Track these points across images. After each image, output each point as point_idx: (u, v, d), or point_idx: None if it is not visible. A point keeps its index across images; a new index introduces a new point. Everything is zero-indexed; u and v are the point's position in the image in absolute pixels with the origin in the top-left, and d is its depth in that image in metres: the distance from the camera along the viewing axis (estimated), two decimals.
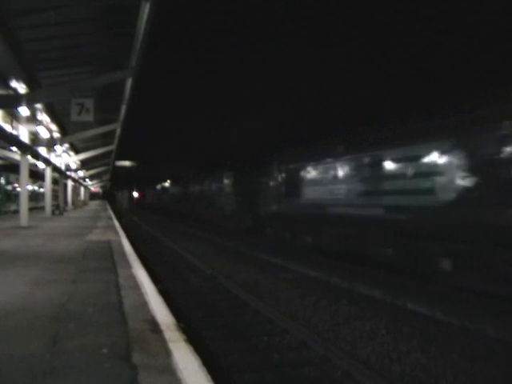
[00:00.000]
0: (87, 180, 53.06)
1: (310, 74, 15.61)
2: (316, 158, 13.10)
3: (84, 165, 36.93)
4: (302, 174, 13.83)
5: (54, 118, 17.72)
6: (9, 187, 30.98)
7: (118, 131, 23.14)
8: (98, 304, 4.55)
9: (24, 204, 15.59)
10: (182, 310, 6.85)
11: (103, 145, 27.98)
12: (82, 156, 29.52)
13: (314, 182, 13.10)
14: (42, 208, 27.91)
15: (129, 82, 13.67)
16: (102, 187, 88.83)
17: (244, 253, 14.31)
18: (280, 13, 11.74)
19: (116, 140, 26.60)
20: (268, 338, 5.88)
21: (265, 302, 7.50)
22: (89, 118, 13.16)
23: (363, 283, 8.82)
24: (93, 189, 74.59)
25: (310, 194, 13.33)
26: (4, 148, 19.40)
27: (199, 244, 16.90)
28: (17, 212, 23.39)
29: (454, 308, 6.92)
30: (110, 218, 22.89)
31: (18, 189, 25.68)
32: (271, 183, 16.25)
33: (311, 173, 13.36)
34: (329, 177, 12.33)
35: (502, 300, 7.02)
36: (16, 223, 15.80)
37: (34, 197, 35.15)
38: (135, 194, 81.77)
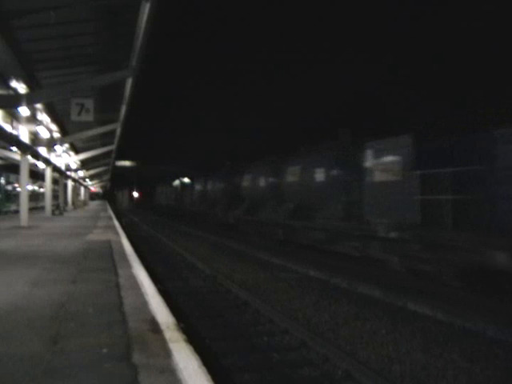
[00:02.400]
0: (87, 180, 53.07)
1: None
2: None
3: (84, 165, 36.95)
4: None
5: (54, 117, 17.73)
6: (9, 187, 31.03)
7: (118, 131, 23.18)
8: (98, 304, 4.55)
9: (24, 204, 15.59)
10: (182, 310, 6.86)
11: (103, 145, 28.01)
12: (82, 156, 29.57)
13: None
14: (42, 208, 27.91)
15: (129, 82, 13.70)
16: (102, 187, 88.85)
17: (244, 253, 14.30)
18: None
19: (116, 140, 26.66)
20: (268, 338, 5.88)
21: (265, 302, 7.50)
22: (89, 117, 13.21)
23: (363, 283, 8.82)
24: (93, 189, 74.50)
25: None
26: (4, 148, 19.40)
27: (199, 243, 16.89)
28: (17, 212, 23.40)
29: (454, 308, 6.92)
30: (110, 218, 22.89)
31: (18, 189, 25.69)
32: None
33: None
34: None
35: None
36: (16, 223, 15.80)
37: (34, 197, 35.15)
38: (136, 194, 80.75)
